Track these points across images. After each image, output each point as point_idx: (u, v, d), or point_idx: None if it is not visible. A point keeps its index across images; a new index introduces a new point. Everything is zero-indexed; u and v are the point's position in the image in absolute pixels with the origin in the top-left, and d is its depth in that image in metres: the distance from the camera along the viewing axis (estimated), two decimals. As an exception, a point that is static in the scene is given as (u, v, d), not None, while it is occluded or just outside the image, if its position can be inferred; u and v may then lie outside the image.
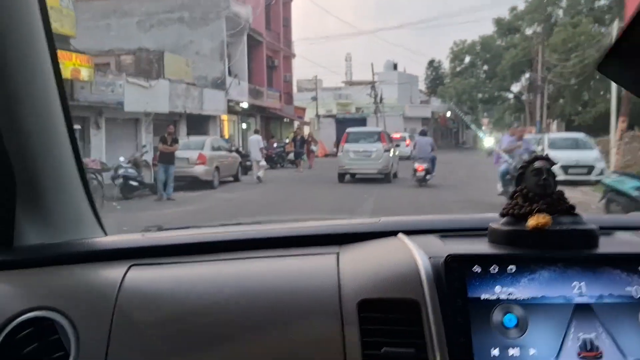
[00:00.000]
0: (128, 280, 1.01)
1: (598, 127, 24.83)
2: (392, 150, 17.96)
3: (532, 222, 0.90)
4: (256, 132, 21.26)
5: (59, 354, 0.92)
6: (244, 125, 29.17)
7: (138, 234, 1.26)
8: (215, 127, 24.87)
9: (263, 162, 18.40)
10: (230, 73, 26.08)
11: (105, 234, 1.28)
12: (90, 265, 1.08)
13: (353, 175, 17.49)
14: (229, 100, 25.50)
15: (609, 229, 1.04)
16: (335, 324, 0.89)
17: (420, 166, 14.96)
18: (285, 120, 36.39)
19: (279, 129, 34.47)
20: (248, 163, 19.02)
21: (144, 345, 0.93)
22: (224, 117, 26.21)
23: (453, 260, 0.85)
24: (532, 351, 0.82)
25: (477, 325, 0.82)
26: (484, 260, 0.85)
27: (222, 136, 23.65)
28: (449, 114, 53.21)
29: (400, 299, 0.86)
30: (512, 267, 0.85)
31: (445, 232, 1.08)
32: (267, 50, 31.64)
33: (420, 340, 0.83)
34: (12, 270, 1.06)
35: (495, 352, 0.81)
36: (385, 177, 17.15)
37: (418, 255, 0.91)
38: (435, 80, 55.38)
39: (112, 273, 1.04)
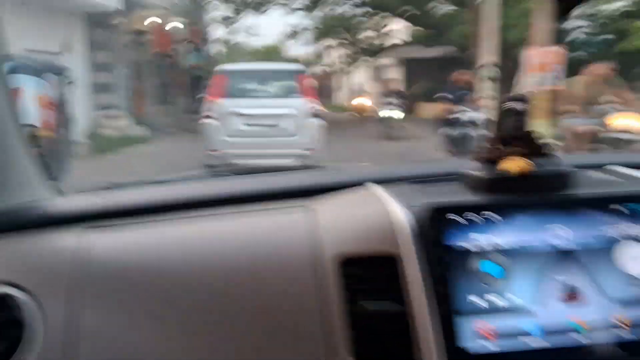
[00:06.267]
0: (86, 245, 0.92)
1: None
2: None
3: (511, 167, 0.87)
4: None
5: (23, 332, 0.83)
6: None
7: (93, 193, 1.15)
8: None
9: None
10: None
11: (60, 195, 1.14)
12: (42, 230, 0.97)
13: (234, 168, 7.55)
14: None
15: (581, 168, 1.01)
16: (313, 280, 0.88)
17: None
18: None
19: None
20: None
21: (114, 313, 0.86)
22: None
23: (429, 210, 0.83)
24: (513, 298, 0.81)
25: (456, 275, 0.81)
26: (461, 208, 0.84)
27: None
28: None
29: (378, 254, 0.85)
30: (490, 214, 0.83)
31: (416, 180, 1.03)
32: None
33: (399, 293, 0.82)
34: None
35: (477, 300, 0.80)
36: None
37: (393, 206, 0.88)
38: None
39: (68, 238, 0.94)
